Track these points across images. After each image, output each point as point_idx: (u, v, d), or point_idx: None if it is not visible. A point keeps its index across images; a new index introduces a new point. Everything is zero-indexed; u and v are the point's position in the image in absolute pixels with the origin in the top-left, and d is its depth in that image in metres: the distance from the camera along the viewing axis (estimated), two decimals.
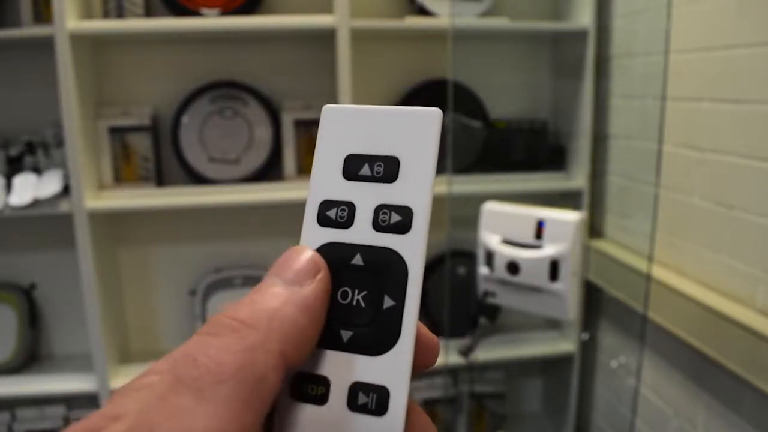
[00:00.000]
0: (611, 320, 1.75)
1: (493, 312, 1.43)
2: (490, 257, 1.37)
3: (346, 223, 0.24)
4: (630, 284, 1.53)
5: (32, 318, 1.75)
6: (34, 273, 1.77)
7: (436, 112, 0.24)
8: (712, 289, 1.31)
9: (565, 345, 1.86)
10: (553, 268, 1.29)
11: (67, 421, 1.73)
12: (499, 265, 1.34)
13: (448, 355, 1.75)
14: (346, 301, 0.24)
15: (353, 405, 0.23)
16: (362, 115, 0.26)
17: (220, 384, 0.20)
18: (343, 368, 0.23)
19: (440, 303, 1.78)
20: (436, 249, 1.90)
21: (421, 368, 0.24)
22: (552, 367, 2.01)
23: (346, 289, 0.24)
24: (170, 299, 1.85)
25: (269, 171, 1.74)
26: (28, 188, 1.55)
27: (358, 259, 0.24)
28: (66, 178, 1.57)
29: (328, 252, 0.24)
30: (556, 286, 1.29)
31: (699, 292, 1.31)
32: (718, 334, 1.22)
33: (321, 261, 0.23)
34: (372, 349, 0.23)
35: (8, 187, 1.58)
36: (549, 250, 1.29)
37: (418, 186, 0.24)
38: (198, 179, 1.70)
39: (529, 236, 1.32)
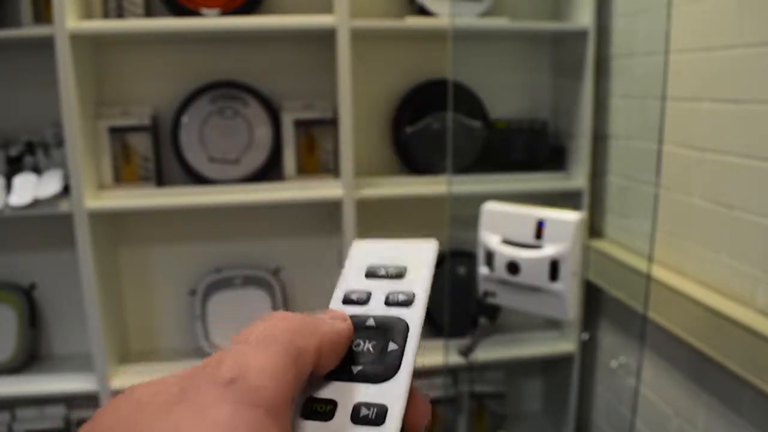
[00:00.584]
0: (611, 320, 1.75)
1: (493, 312, 1.43)
2: (490, 257, 1.37)
3: (364, 302, 0.32)
4: (630, 284, 1.53)
5: (32, 318, 1.75)
6: (34, 273, 1.77)
7: (434, 242, 0.35)
8: (712, 289, 1.31)
9: (565, 345, 1.86)
10: (553, 268, 1.28)
11: (67, 421, 1.73)
12: (499, 265, 1.34)
13: (449, 355, 1.74)
14: (359, 349, 0.30)
15: (356, 418, 0.27)
16: (381, 244, 0.36)
17: (274, 343, 0.25)
18: (350, 392, 0.28)
19: (440, 303, 1.78)
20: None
21: (414, 425, 0.28)
22: (552, 367, 2.01)
23: (360, 341, 0.30)
24: (170, 299, 1.85)
25: (269, 171, 1.74)
26: (28, 188, 1.55)
27: (371, 322, 0.31)
28: (66, 178, 1.57)
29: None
30: (556, 286, 1.29)
31: (699, 292, 1.31)
32: (718, 334, 1.22)
33: (347, 316, 0.31)
34: (376, 379, 0.28)
35: (8, 187, 1.58)
36: (549, 250, 1.29)
37: (420, 281, 0.32)
38: (198, 179, 1.70)
39: (529, 236, 1.31)
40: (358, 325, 0.30)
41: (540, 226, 1.30)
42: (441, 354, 1.75)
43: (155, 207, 1.65)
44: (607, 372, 1.78)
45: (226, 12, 1.60)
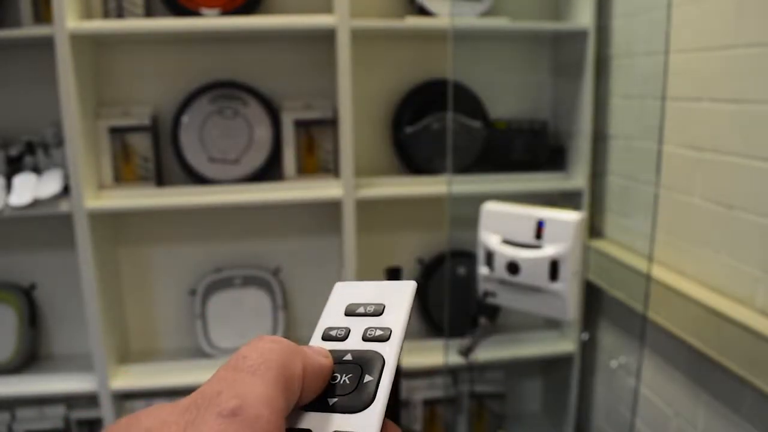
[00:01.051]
0: (611, 320, 1.75)
1: (493, 312, 1.43)
2: (490, 257, 1.37)
3: (343, 338, 0.33)
4: (630, 284, 1.53)
5: (32, 318, 1.75)
6: (34, 273, 1.77)
7: (412, 282, 0.35)
8: (712, 289, 1.31)
9: (565, 345, 1.86)
10: (553, 268, 1.28)
11: (67, 421, 1.73)
12: (499, 265, 1.34)
13: (449, 355, 1.75)
14: (336, 381, 0.31)
15: None
16: (362, 285, 0.36)
17: (269, 370, 0.26)
18: (326, 423, 0.29)
19: (440, 303, 1.78)
20: (436, 249, 1.90)
21: None
22: (552, 367, 2.01)
23: (337, 374, 0.31)
24: (170, 299, 1.85)
25: (269, 171, 1.74)
26: (28, 188, 1.55)
27: (348, 356, 0.32)
28: (66, 178, 1.57)
29: None
30: (556, 286, 1.29)
31: (699, 292, 1.31)
32: (718, 334, 1.22)
33: (329, 353, 0.32)
34: (352, 409, 0.29)
35: (8, 187, 1.58)
36: (549, 250, 1.29)
37: (397, 318, 0.33)
38: (198, 179, 1.70)
39: (529, 236, 1.31)
40: (337, 360, 0.31)
41: (540, 226, 1.30)
42: (441, 354, 1.75)
43: (155, 207, 1.65)
44: (607, 372, 1.78)
45: (226, 12, 1.60)
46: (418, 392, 1.86)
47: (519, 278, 1.33)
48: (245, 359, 0.27)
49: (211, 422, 0.24)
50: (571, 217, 1.28)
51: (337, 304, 0.35)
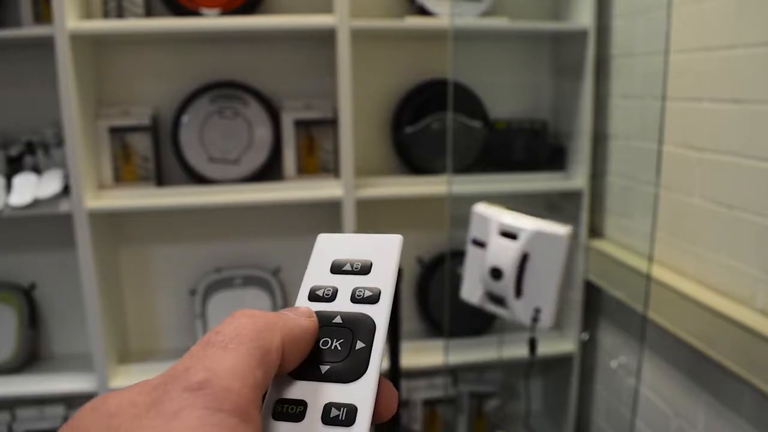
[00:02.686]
0: (611, 320, 1.75)
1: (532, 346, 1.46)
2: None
3: (330, 298, 0.32)
4: (630, 284, 1.53)
5: (32, 318, 1.75)
6: (34, 273, 1.77)
7: (398, 237, 0.35)
8: (712, 289, 1.31)
9: (565, 345, 1.86)
10: (537, 278, 1.31)
11: (67, 421, 1.73)
12: (484, 269, 1.37)
13: (449, 355, 1.75)
14: (326, 347, 0.30)
15: (326, 419, 0.28)
16: (346, 238, 0.35)
17: (241, 344, 0.25)
18: (319, 393, 0.29)
19: (440, 303, 1.78)
20: (436, 249, 1.90)
21: (386, 413, 0.29)
22: (552, 367, 2.01)
23: (327, 339, 0.30)
24: (170, 299, 1.85)
25: (269, 171, 1.74)
26: (28, 188, 1.55)
27: (338, 319, 0.31)
28: (66, 178, 1.57)
29: (317, 316, 0.31)
30: (535, 296, 1.31)
31: (699, 292, 1.31)
32: (718, 334, 1.22)
33: (312, 311, 0.32)
34: (344, 379, 0.29)
35: (8, 187, 1.58)
36: (534, 261, 1.31)
37: (385, 276, 0.33)
38: (198, 179, 1.70)
39: (513, 249, 1.32)
40: (325, 322, 0.31)
41: (524, 258, 1.32)
42: (441, 354, 1.76)
43: (155, 207, 1.65)
44: (607, 372, 1.78)
45: (226, 12, 1.60)
46: (418, 392, 1.86)
47: (502, 283, 1.34)
48: (217, 334, 0.26)
49: (177, 397, 0.23)
50: (560, 230, 1.28)
51: (322, 260, 0.34)
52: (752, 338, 1.13)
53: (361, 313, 0.31)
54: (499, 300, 1.39)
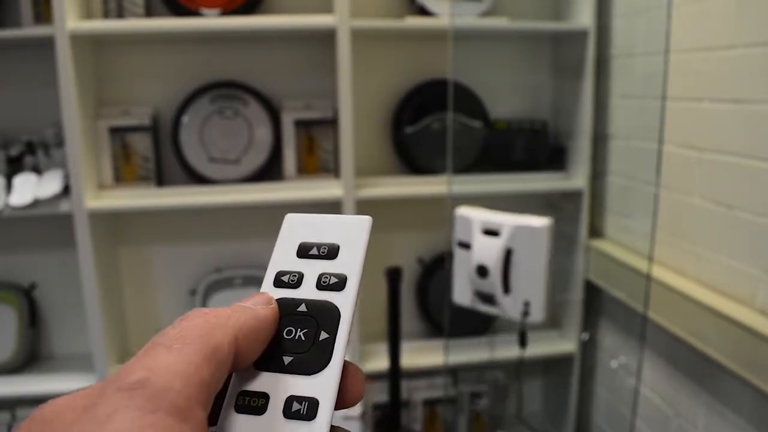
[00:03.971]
0: (611, 320, 1.75)
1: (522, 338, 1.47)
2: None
3: (296, 285, 0.31)
4: (630, 284, 1.53)
5: (32, 318, 1.75)
6: (34, 273, 1.77)
7: (367, 218, 0.33)
8: (712, 289, 1.31)
9: (565, 345, 1.86)
10: (523, 272, 1.31)
11: None
12: (471, 268, 1.37)
13: (449, 355, 1.75)
14: (290, 337, 0.30)
15: (288, 413, 0.27)
16: (314, 219, 0.34)
17: (186, 345, 0.25)
18: (282, 385, 0.28)
19: (440, 303, 1.78)
20: (436, 249, 1.90)
21: (351, 400, 0.29)
22: (552, 367, 2.01)
23: (291, 328, 0.30)
24: (170, 299, 1.85)
25: (269, 171, 1.74)
26: (28, 188, 1.55)
27: (302, 307, 0.30)
28: (66, 178, 1.57)
29: (279, 304, 0.31)
30: (526, 289, 1.32)
31: (699, 292, 1.31)
32: (718, 334, 1.22)
33: (273, 298, 0.31)
34: (307, 371, 0.28)
35: (8, 187, 1.58)
36: (518, 255, 1.32)
37: (352, 262, 0.32)
38: (198, 179, 1.70)
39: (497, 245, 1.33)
40: (290, 310, 0.30)
41: (508, 254, 1.33)
42: (441, 354, 1.76)
43: (155, 207, 1.65)
44: (607, 372, 1.78)
45: (226, 12, 1.60)
46: (418, 392, 1.86)
47: (488, 281, 1.35)
48: (163, 335, 0.25)
49: (111, 399, 0.22)
50: (540, 222, 1.30)
51: (289, 243, 0.33)
52: (752, 338, 1.13)
53: (326, 301, 0.30)
54: (488, 298, 1.39)
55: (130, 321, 1.84)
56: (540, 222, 1.31)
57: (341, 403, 0.28)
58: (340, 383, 0.28)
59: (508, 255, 1.33)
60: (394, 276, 1.55)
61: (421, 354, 1.80)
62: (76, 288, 1.63)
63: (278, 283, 0.32)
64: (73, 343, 1.81)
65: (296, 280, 0.31)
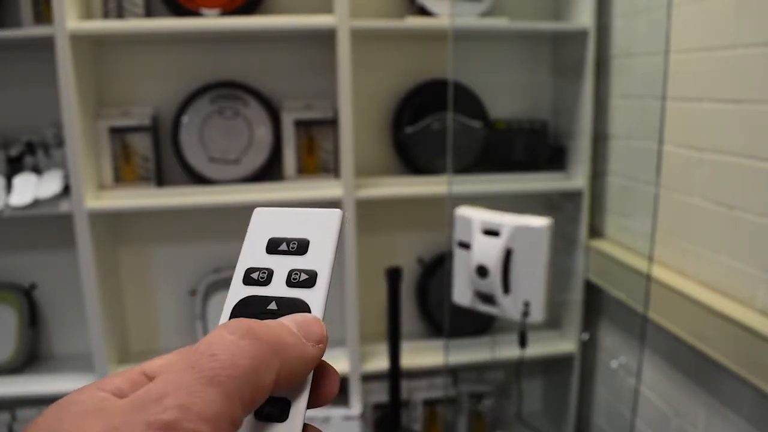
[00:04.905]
0: (611, 320, 1.75)
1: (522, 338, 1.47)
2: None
3: (266, 282, 0.31)
4: (630, 284, 1.53)
5: (32, 318, 1.75)
6: (34, 273, 1.77)
7: (337, 211, 0.33)
8: (712, 289, 1.31)
9: (565, 345, 1.86)
10: (523, 272, 1.32)
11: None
12: (471, 268, 1.37)
13: (449, 355, 1.75)
14: None
15: (259, 414, 0.27)
16: (284, 213, 0.34)
17: (231, 378, 0.23)
18: None
19: (440, 303, 1.78)
20: (436, 249, 1.90)
21: (325, 398, 0.29)
22: (552, 367, 2.01)
23: None
24: (170, 299, 1.85)
25: (269, 171, 1.74)
26: (28, 188, 1.55)
27: (273, 305, 0.30)
28: (66, 178, 1.57)
29: (250, 302, 0.30)
30: (525, 289, 1.32)
31: (699, 292, 1.31)
32: (718, 334, 1.22)
33: (325, 331, 0.29)
34: None
35: (8, 187, 1.58)
36: (518, 255, 1.32)
37: (323, 257, 0.31)
38: (198, 179, 1.70)
39: (497, 245, 1.33)
40: (260, 309, 0.30)
41: (509, 254, 1.33)
42: (441, 354, 1.76)
43: (155, 207, 1.65)
44: (607, 372, 1.78)
45: (226, 12, 1.60)
46: (418, 392, 1.86)
47: (488, 281, 1.34)
48: (211, 359, 0.23)
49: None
50: (540, 222, 1.30)
51: (258, 238, 0.33)
52: (752, 338, 1.13)
53: (296, 299, 0.30)
54: (488, 298, 1.39)
55: (130, 321, 1.84)
56: (540, 222, 1.31)
57: (314, 401, 0.28)
58: (312, 381, 0.28)
59: (508, 255, 1.33)
60: (394, 276, 1.55)
61: (421, 354, 1.80)
62: (76, 288, 1.63)
63: (247, 280, 0.31)
64: (73, 343, 1.81)
65: (266, 277, 0.31)
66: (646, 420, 1.57)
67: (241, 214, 1.86)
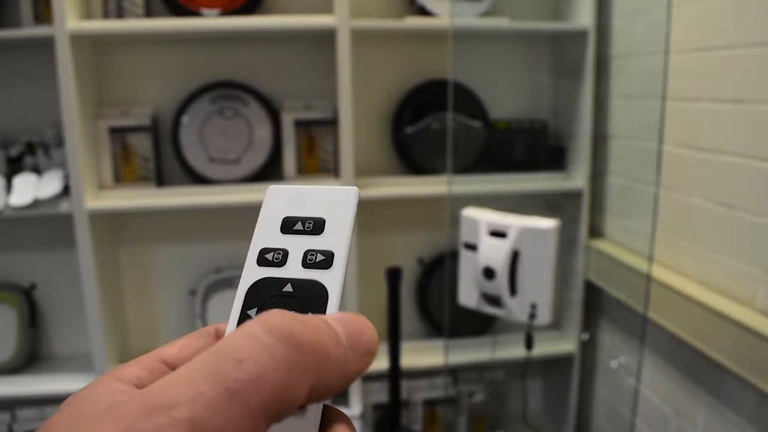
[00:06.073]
0: (611, 320, 1.75)
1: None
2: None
3: (281, 263, 0.30)
4: (630, 284, 1.53)
5: (32, 318, 1.75)
6: (34, 273, 1.77)
7: (353, 189, 0.32)
8: (712, 289, 1.31)
9: (565, 345, 1.86)
10: (529, 274, 1.31)
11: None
12: (477, 269, 1.37)
13: (449, 355, 1.75)
14: None
15: None
16: (299, 191, 0.32)
17: (257, 394, 0.20)
18: None
19: (440, 303, 1.78)
20: (436, 249, 1.90)
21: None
22: (552, 367, 2.01)
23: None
24: (170, 299, 1.85)
25: (269, 171, 1.74)
26: (28, 188, 1.55)
27: (288, 287, 0.29)
28: (66, 178, 1.57)
29: (265, 284, 0.29)
30: (532, 290, 1.32)
31: (699, 292, 1.31)
32: (718, 334, 1.22)
33: (375, 347, 0.25)
34: None
35: (8, 187, 1.58)
36: (525, 257, 1.32)
37: (339, 237, 0.30)
38: (198, 179, 1.70)
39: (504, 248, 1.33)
40: (275, 291, 0.29)
41: (515, 255, 1.32)
42: (441, 354, 1.75)
43: (155, 207, 1.65)
44: (607, 372, 1.78)
45: (226, 12, 1.60)
46: (418, 392, 1.86)
47: (495, 283, 1.34)
48: (237, 367, 0.20)
49: None
50: (547, 224, 1.30)
51: (272, 218, 0.31)
52: (752, 338, 1.13)
53: (313, 281, 0.29)
54: (494, 300, 1.39)
55: (130, 321, 1.84)
56: (547, 223, 1.30)
57: None
58: None
59: (515, 257, 1.33)
60: (394, 276, 1.55)
61: (421, 354, 1.80)
62: (76, 288, 1.63)
63: (262, 261, 0.30)
64: (73, 343, 1.81)
65: (281, 258, 0.30)
66: (646, 420, 1.57)
67: (241, 214, 1.86)
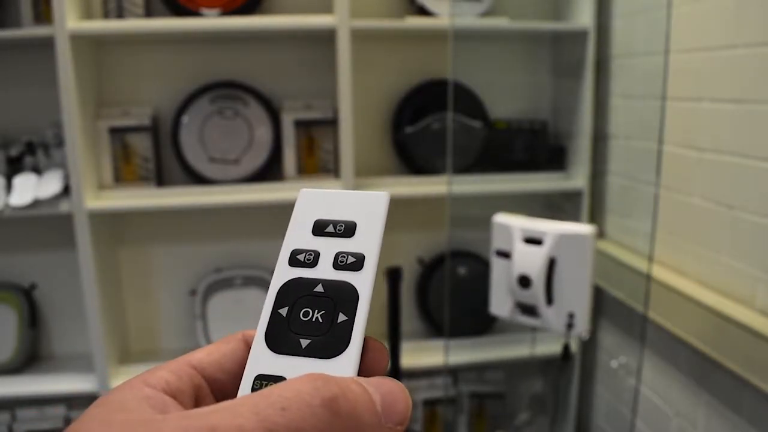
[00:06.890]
0: (611, 320, 1.75)
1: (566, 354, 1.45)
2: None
3: (312, 264, 0.30)
4: (630, 284, 1.53)
5: (32, 318, 1.75)
6: (34, 273, 1.77)
7: (384, 194, 0.33)
8: (712, 289, 1.31)
9: None
10: (566, 282, 1.28)
11: (67, 422, 1.73)
12: (512, 278, 1.34)
13: (449, 355, 1.75)
14: (307, 319, 0.29)
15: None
16: (330, 194, 0.33)
17: None
18: (299, 369, 0.27)
19: (440, 303, 1.78)
20: (436, 249, 1.90)
21: (377, 369, 0.28)
22: (552, 367, 2.01)
23: (308, 309, 0.29)
24: (170, 299, 1.85)
25: (269, 171, 1.74)
26: (28, 188, 1.55)
27: (319, 288, 0.29)
28: (66, 178, 1.57)
29: (296, 284, 0.30)
30: (570, 300, 1.29)
31: (699, 292, 1.31)
32: (718, 334, 1.22)
33: (409, 414, 0.25)
34: (325, 354, 0.28)
35: (8, 187, 1.58)
36: (562, 264, 1.29)
37: (370, 240, 0.31)
38: (198, 179, 1.70)
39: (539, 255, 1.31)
40: (306, 291, 0.29)
41: (552, 263, 1.29)
42: (441, 354, 1.75)
43: (155, 207, 1.65)
44: (607, 372, 1.78)
45: (226, 12, 1.60)
46: (418, 392, 1.86)
47: (530, 292, 1.31)
48: (279, 414, 0.21)
49: None
50: (584, 230, 1.26)
51: (304, 220, 0.32)
52: (752, 338, 1.13)
53: (343, 282, 0.30)
54: (530, 309, 1.35)
55: (130, 321, 1.84)
56: (585, 229, 1.26)
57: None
58: (361, 360, 0.28)
59: (551, 264, 1.28)
60: (394, 276, 1.55)
61: (421, 354, 1.80)
62: (76, 288, 1.63)
63: (293, 261, 0.31)
64: (73, 343, 1.81)
65: (312, 259, 0.31)
66: (646, 420, 1.57)
67: (242, 214, 1.87)
